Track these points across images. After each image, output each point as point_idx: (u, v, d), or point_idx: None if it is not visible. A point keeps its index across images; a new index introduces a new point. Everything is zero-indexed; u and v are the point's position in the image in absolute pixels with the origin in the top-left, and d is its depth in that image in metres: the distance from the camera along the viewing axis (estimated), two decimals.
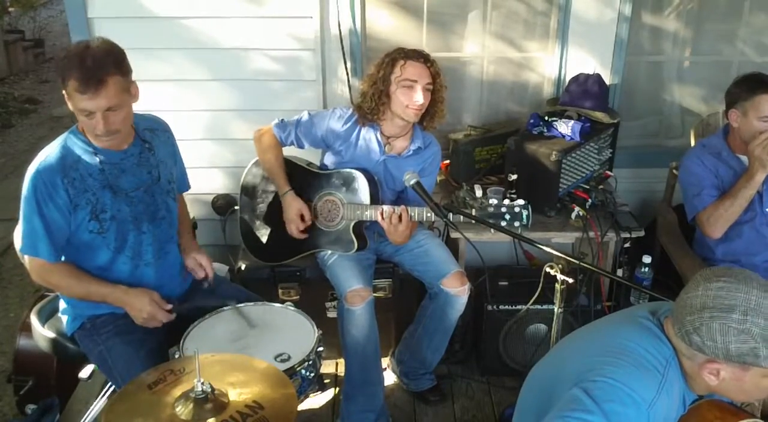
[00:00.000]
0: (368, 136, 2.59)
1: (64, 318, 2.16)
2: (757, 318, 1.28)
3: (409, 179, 2.30)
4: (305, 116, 2.63)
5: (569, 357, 1.52)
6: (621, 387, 1.33)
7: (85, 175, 1.98)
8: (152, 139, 2.15)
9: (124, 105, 1.92)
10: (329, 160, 2.66)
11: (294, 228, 2.59)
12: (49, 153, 1.97)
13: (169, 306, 2.07)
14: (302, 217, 2.58)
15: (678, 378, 1.41)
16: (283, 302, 2.23)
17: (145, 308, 2.03)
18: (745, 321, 1.28)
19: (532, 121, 2.91)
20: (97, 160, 1.99)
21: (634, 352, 1.40)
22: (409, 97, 2.45)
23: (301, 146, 2.66)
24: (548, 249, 2.01)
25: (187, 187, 2.41)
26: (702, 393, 1.48)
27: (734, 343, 1.30)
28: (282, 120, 2.64)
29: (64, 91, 1.87)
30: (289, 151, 2.70)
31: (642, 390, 1.34)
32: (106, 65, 1.84)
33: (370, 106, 2.51)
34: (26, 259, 2.02)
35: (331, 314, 2.74)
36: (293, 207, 2.58)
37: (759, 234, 2.62)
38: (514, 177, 2.76)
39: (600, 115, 2.92)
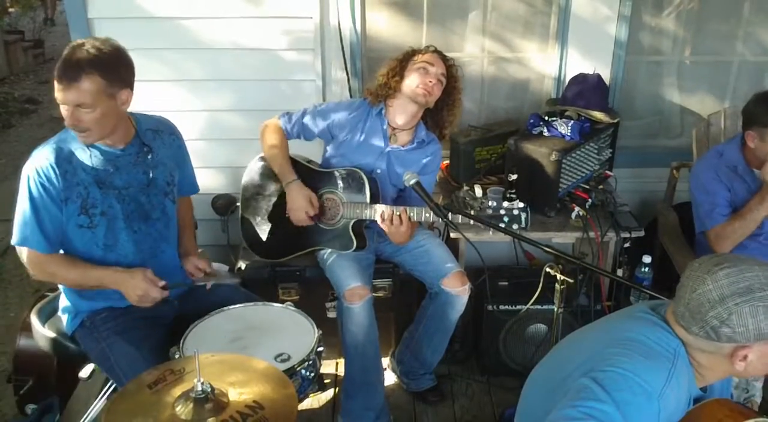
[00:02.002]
0: (374, 126, 2.61)
1: (65, 317, 2.16)
2: None
3: (409, 179, 2.29)
4: (311, 107, 2.65)
5: (573, 354, 1.52)
6: (631, 376, 1.33)
7: (78, 168, 1.98)
8: (153, 140, 2.14)
9: (98, 106, 1.90)
10: (332, 152, 2.67)
11: (304, 214, 2.54)
12: (45, 146, 1.99)
13: (163, 283, 2.04)
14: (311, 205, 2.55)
15: (686, 369, 1.41)
16: (283, 302, 2.23)
17: (139, 284, 2.00)
18: (767, 297, 1.31)
19: (531, 120, 2.91)
20: (91, 154, 2.00)
21: (641, 342, 1.40)
22: (422, 79, 2.50)
23: (308, 137, 2.67)
24: (548, 249, 2.01)
25: (196, 189, 2.41)
26: (705, 384, 1.48)
27: (765, 321, 1.31)
28: (287, 112, 2.65)
29: None
30: (291, 149, 2.70)
31: (652, 379, 1.34)
32: (88, 64, 1.85)
33: (382, 82, 2.55)
34: (22, 252, 2.02)
35: (331, 314, 2.74)
36: (302, 194, 2.54)
37: (764, 247, 2.59)
38: (514, 177, 2.76)
39: (600, 115, 2.91)
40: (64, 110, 1.91)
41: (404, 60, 2.56)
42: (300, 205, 2.53)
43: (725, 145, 2.71)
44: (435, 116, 2.66)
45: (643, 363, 1.36)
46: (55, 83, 1.86)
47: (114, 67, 1.92)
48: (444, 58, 2.58)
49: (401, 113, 2.59)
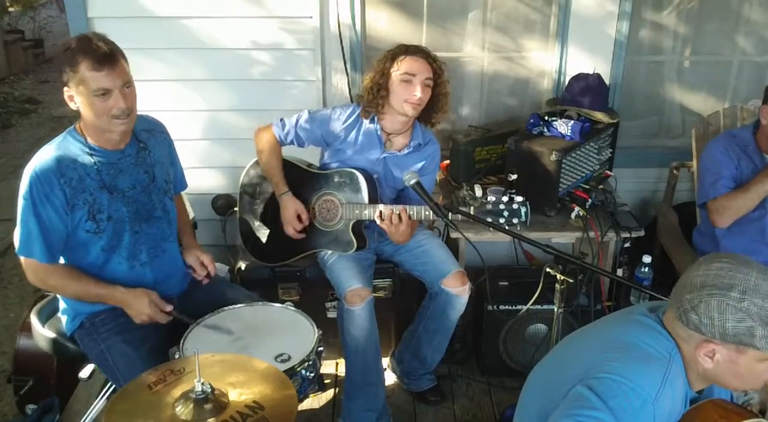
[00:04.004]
0: (368, 134, 2.59)
1: (64, 318, 2.16)
2: (755, 297, 1.29)
3: (409, 179, 2.29)
4: (305, 114, 2.62)
5: (571, 356, 1.53)
6: (625, 382, 1.33)
7: (83, 175, 1.98)
8: (148, 140, 2.15)
9: (133, 83, 1.97)
10: (329, 158, 2.66)
11: (291, 229, 2.60)
12: (46, 153, 1.96)
13: (169, 308, 2.07)
14: (299, 219, 2.59)
15: (681, 371, 1.41)
16: (283, 302, 2.23)
17: (144, 310, 2.03)
18: (743, 300, 1.30)
19: (532, 120, 2.90)
20: (94, 160, 2.00)
21: (636, 347, 1.40)
22: (408, 92, 2.45)
23: (301, 145, 2.66)
24: (548, 249, 2.00)
25: (185, 186, 2.41)
26: (700, 387, 1.48)
27: (731, 322, 1.30)
28: (281, 119, 2.64)
29: (69, 82, 1.88)
30: (289, 151, 2.70)
31: (646, 384, 1.34)
32: (113, 49, 1.91)
33: (369, 99, 2.52)
34: (23, 261, 2.01)
35: (331, 314, 2.74)
36: (291, 208, 2.58)
37: (763, 233, 2.61)
38: (514, 177, 2.76)
39: (600, 115, 2.91)
40: (109, 100, 1.90)
41: (385, 69, 2.46)
42: (287, 219, 2.59)
43: (738, 129, 2.77)
44: (425, 111, 2.59)
45: (637, 369, 1.36)
46: (92, 73, 1.86)
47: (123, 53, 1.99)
48: (427, 57, 2.48)
49: (393, 122, 2.57)
